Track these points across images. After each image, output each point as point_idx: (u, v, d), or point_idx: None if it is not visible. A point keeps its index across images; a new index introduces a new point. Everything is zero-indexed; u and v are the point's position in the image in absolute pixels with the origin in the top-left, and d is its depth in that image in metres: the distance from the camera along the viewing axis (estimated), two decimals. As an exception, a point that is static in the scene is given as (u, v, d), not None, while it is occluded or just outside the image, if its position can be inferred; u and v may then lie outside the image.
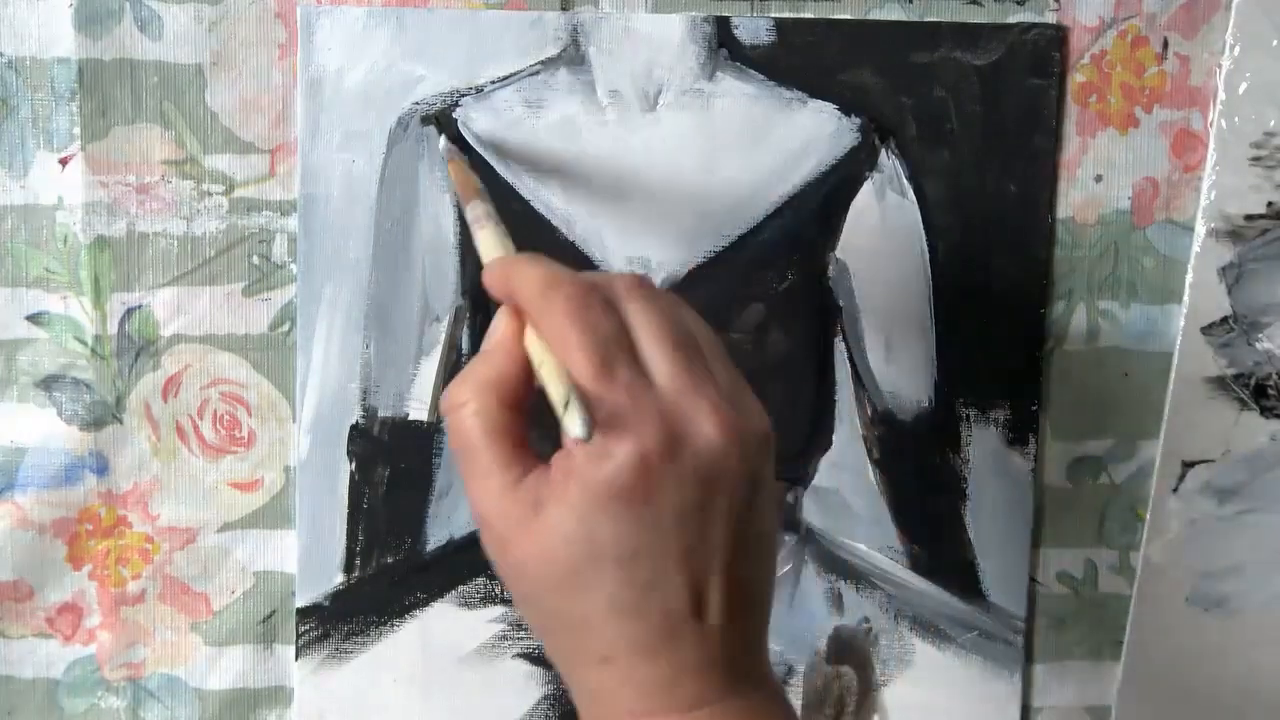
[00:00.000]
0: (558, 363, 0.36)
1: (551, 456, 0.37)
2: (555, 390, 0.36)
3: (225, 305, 0.51)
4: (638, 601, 0.35)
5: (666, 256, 0.52)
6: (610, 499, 0.35)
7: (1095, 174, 0.53)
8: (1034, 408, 0.54)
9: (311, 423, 0.52)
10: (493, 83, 0.51)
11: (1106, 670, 0.56)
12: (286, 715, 0.54)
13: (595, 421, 0.34)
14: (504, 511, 0.36)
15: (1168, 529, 0.55)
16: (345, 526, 0.53)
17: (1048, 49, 0.52)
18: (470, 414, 0.37)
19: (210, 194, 0.51)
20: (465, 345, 0.52)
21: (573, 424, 0.34)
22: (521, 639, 0.54)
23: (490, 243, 0.42)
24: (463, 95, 0.51)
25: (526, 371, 0.38)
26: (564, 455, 0.36)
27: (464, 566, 0.53)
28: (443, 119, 0.51)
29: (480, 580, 0.54)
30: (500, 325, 0.39)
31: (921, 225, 0.52)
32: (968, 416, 0.54)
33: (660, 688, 0.36)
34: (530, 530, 0.36)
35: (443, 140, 0.50)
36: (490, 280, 0.40)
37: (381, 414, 0.52)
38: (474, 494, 0.37)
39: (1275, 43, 0.51)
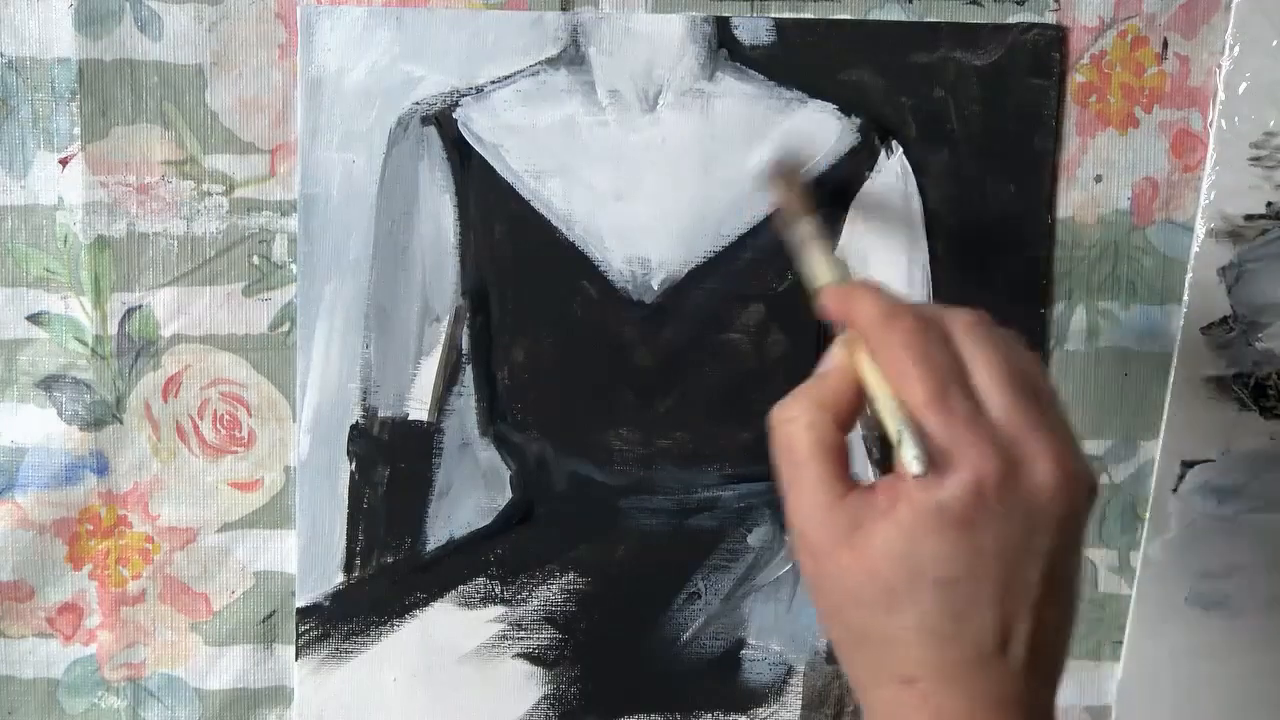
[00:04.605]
0: (893, 395, 0.37)
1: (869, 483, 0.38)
2: (890, 423, 0.37)
3: (225, 305, 0.51)
4: (949, 627, 0.36)
5: (666, 256, 0.52)
6: (940, 523, 0.36)
7: (1095, 174, 0.53)
8: (1034, 408, 0.54)
9: (311, 423, 0.52)
10: (493, 83, 0.51)
11: (1106, 670, 0.56)
12: (286, 715, 0.54)
13: (930, 457, 0.36)
14: (826, 523, 0.37)
15: (1168, 529, 0.55)
16: (345, 526, 0.53)
17: (1048, 49, 0.52)
18: (803, 428, 0.38)
19: (210, 194, 0.51)
20: (465, 345, 0.52)
21: (907, 458, 0.36)
22: (521, 639, 0.54)
23: (822, 263, 0.44)
24: (462, 95, 0.51)
25: (859, 398, 0.39)
26: (892, 480, 0.37)
27: (464, 566, 0.53)
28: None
29: (480, 580, 0.54)
30: (837, 352, 0.40)
31: (922, 225, 0.52)
32: (968, 416, 0.53)
33: (956, 717, 0.36)
34: (851, 545, 0.37)
35: (780, 158, 0.51)
36: (828, 304, 0.42)
37: (381, 414, 0.52)
38: (795, 505, 0.38)
39: (1275, 43, 0.51)
